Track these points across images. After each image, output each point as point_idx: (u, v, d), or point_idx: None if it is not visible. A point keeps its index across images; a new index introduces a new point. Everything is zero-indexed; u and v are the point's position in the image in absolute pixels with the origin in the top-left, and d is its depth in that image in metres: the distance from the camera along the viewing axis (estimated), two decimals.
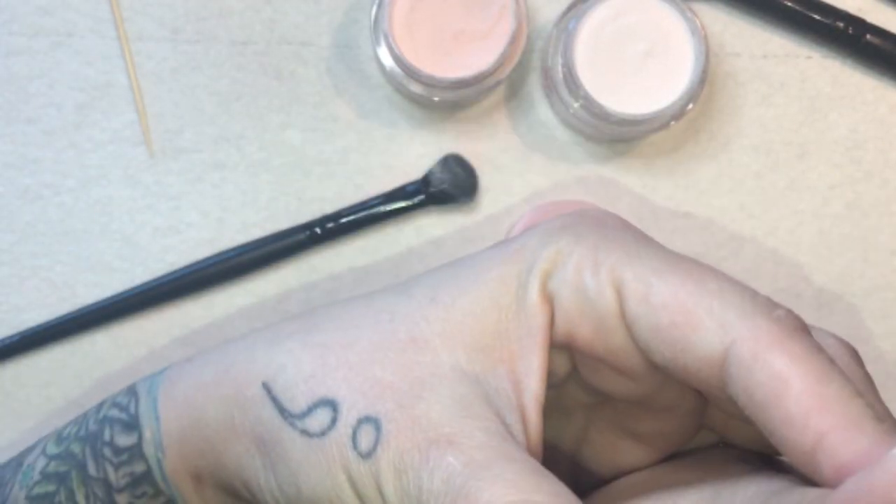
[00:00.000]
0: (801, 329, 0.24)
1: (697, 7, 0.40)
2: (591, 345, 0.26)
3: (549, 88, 0.39)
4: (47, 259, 0.40)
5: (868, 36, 0.40)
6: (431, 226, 0.40)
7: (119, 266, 0.40)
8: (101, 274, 0.40)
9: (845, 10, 0.40)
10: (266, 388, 0.27)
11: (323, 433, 0.26)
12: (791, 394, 0.22)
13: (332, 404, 0.26)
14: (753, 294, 0.25)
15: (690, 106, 0.38)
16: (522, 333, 0.26)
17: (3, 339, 0.39)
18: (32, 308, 0.40)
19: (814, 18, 0.40)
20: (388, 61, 0.37)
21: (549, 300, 0.27)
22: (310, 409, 0.26)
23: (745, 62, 0.41)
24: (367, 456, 0.25)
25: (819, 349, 0.24)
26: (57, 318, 0.40)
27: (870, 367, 0.26)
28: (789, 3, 0.40)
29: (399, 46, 0.36)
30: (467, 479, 0.24)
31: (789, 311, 0.25)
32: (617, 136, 0.39)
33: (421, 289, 0.28)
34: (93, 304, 0.40)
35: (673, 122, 0.38)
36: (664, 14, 0.37)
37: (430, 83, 0.37)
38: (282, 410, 0.27)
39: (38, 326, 0.39)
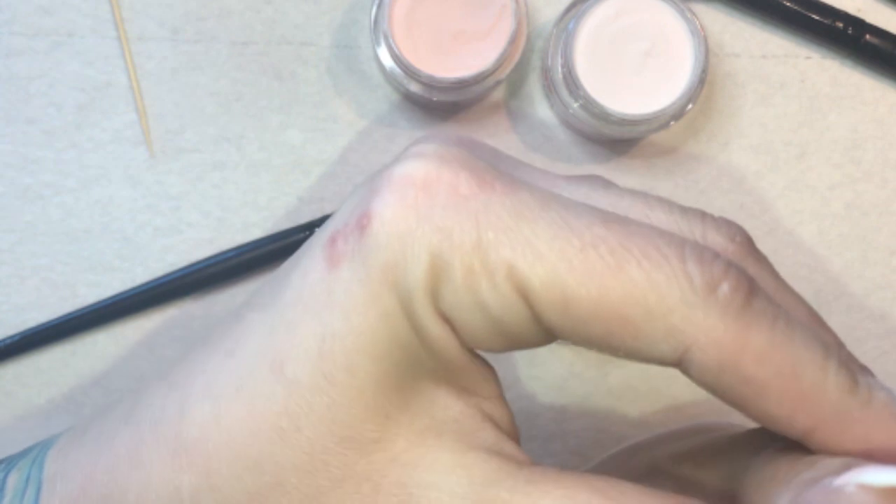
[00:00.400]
0: (751, 295, 0.21)
1: (697, 7, 0.40)
2: (505, 348, 0.23)
3: (549, 88, 0.39)
4: (47, 259, 0.40)
5: (867, 36, 0.40)
6: None
7: (119, 266, 0.40)
8: (101, 274, 0.40)
9: (845, 11, 0.40)
10: None
11: None
12: (770, 400, 0.21)
13: None
14: (685, 267, 0.21)
15: (690, 106, 0.38)
16: (439, 365, 0.23)
17: (4, 339, 0.39)
18: (32, 308, 0.40)
19: (813, 19, 0.40)
20: (388, 61, 0.37)
21: (449, 320, 0.22)
22: None
23: (744, 62, 0.41)
24: None
25: (776, 317, 0.21)
26: (57, 318, 0.40)
27: (870, 367, 0.26)
28: (789, 4, 0.40)
29: (399, 46, 0.37)
30: None
31: (730, 274, 0.21)
32: (617, 136, 0.39)
33: (300, 369, 0.22)
34: (93, 304, 0.40)
35: (673, 122, 0.38)
36: (664, 14, 0.37)
37: (430, 83, 0.37)
38: None
39: (39, 326, 0.39)
